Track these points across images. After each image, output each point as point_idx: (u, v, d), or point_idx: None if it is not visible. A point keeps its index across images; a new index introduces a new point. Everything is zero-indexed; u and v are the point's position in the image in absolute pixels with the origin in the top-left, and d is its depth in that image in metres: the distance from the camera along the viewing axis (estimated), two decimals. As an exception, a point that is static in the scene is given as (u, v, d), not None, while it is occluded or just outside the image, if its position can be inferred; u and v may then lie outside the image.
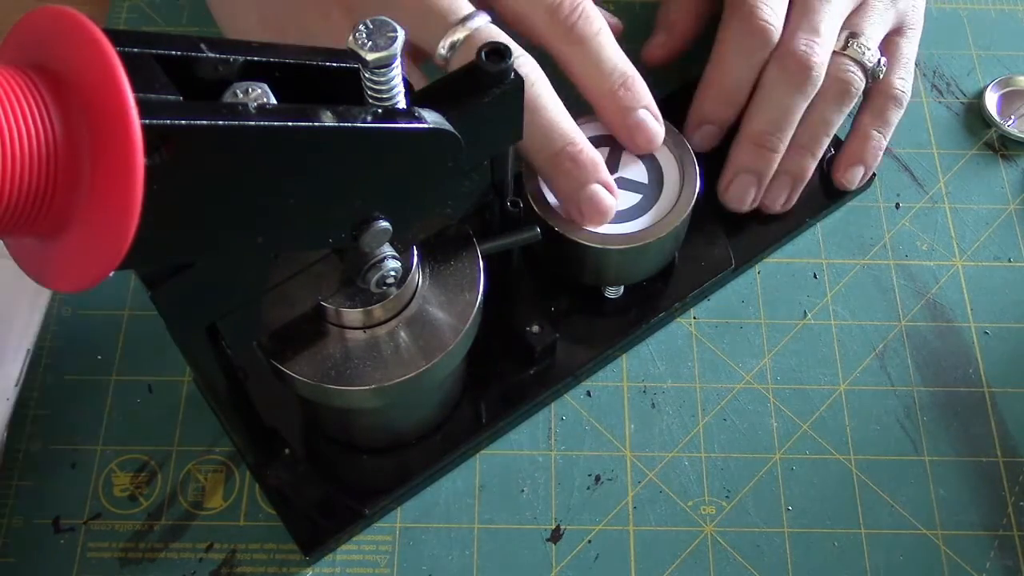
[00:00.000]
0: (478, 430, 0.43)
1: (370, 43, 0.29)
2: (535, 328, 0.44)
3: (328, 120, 0.28)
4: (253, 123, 0.26)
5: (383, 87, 0.30)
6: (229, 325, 0.32)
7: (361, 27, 0.29)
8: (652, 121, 0.43)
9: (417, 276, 0.37)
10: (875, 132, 0.49)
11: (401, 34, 0.29)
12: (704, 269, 0.47)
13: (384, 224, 0.31)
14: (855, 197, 0.51)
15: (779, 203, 0.48)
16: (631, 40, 0.55)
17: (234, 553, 0.41)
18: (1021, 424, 0.45)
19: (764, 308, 0.48)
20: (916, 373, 0.46)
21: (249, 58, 0.29)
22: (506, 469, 0.43)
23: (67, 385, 0.45)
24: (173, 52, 0.28)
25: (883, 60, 0.48)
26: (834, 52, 0.47)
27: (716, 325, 0.47)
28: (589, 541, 0.42)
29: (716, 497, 0.43)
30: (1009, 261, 0.49)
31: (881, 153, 0.50)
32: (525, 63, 0.39)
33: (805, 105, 0.46)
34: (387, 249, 0.33)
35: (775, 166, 0.47)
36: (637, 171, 0.44)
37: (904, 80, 0.50)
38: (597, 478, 0.43)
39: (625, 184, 0.44)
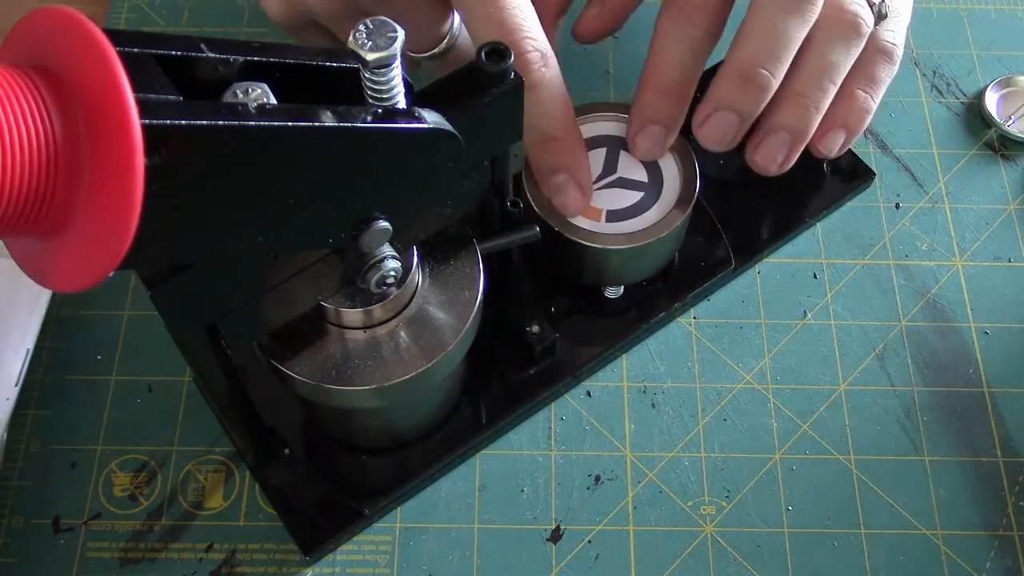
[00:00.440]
0: (478, 430, 0.43)
1: (370, 43, 0.29)
2: (535, 328, 0.44)
3: (328, 120, 0.28)
4: (253, 123, 0.26)
5: (383, 87, 0.30)
6: (229, 325, 0.32)
7: (361, 27, 0.29)
8: (570, 188, 0.40)
9: (417, 276, 0.37)
10: (860, 91, 0.43)
11: (401, 34, 0.29)
12: (704, 269, 0.47)
13: (384, 224, 0.31)
14: (855, 197, 0.51)
15: (775, 164, 0.43)
16: (631, 40, 0.55)
17: (234, 553, 0.41)
18: (1021, 424, 0.45)
19: (764, 308, 0.48)
20: (916, 373, 0.46)
21: (249, 58, 0.29)
22: (506, 469, 0.43)
23: (67, 385, 0.45)
24: (173, 52, 0.28)
25: (887, 2, 0.42)
26: None
27: (716, 325, 0.47)
28: (589, 541, 0.42)
29: (716, 497, 0.43)
30: (1009, 261, 0.49)
31: (868, 117, 0.43)
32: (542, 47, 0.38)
33: (803, 33, 0.39)
34: (387, 249, 0.33)
35: (762, 106, 0.41)
36: (637, 171, 0.44)
37: (894, 33, 0.43)
38: (597, 478, 0.43)
39: (625, 184, 0.44)
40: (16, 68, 0.23)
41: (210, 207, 0.27)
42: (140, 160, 0.22)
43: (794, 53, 0.40)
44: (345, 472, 0.43)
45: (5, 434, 0.42)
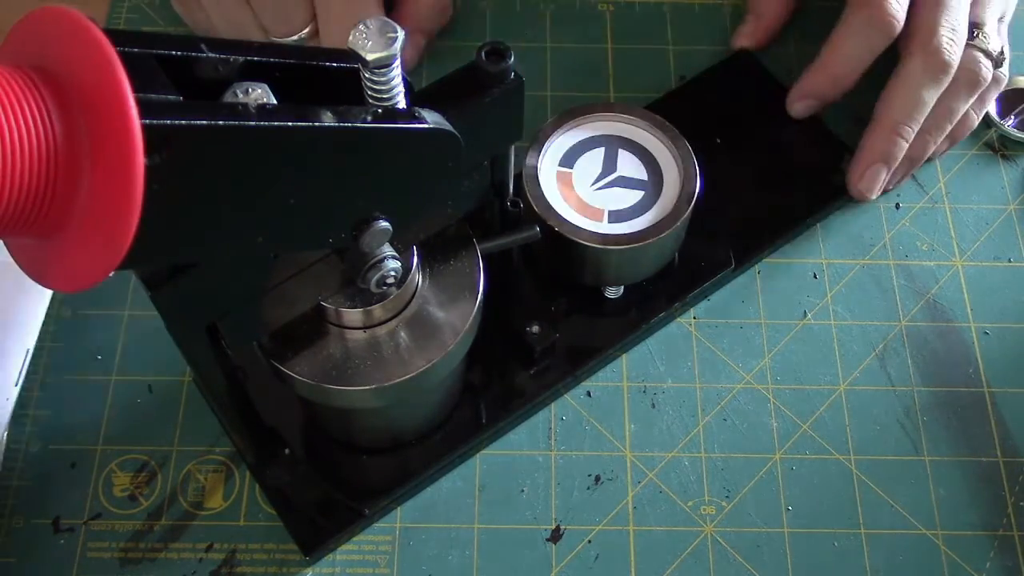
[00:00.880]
0: (478, 430, 0.43)
1: (370, 43, 0.29)
2: (535, 328, 0.44)
3: (328, 120, 0.28)
4: (253, 123, 0.26)
5: (383, 87, 0.30)
6: (229, 325, 0.32)
7: (361, 27, 0.29)
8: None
9: (417, 276, 0.37)
10: (973, 112, 0.50)
11: (401, 34, 0.29)
12: (704, 269, 0.47)
13: (384, 224, 0.31)
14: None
15: (891, 185, 0.50)
16: (631, 40, 0.55)
17: (234, 553, 0.41)
18: (1021, 424, 0.45)
19: (764, 308, 0.48)
20: (916, 373, 0.46)
21: (249, 58, 0.29)
22: (506, 469, 0.43)
23: (67, 385, 0.45)
24: (173, 52, 0.28)
25: (1005, 47, 0.49)
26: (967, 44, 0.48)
27: (716, 325, 0.47)
28: (589, 541, 0.42)
29: (716, 497, 0.43)
30: (1009, 261, 0.49)
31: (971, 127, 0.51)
32: None
33: (936, 96, 0.47)
34: (387, 249, 0.33)
35: (903, 154, 0.48)
36: (637, 170, 0.44)
37: (1004, 59, 0.50)
38: (597, 478, 0.43)
39: (625, 183, 0.44)
40: (16, 68, 0.23)
41: (210, 207, 0.27)
42: (140, 160, 0.22)
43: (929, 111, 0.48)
44: (345, 472, 0.43)
45: (5, 434, 0.42)
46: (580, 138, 0.45)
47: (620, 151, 0.44)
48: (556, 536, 0.42)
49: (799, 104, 0.50)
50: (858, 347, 0.46)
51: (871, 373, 0.46)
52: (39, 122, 0.22)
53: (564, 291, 0.46)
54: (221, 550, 0.41)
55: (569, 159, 0.44)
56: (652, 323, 0.46)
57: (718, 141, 0.50)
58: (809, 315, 0.47)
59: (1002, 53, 0.49)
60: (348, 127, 0.28)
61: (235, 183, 0.27)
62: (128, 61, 0.22)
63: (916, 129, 0.48)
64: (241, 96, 0.29)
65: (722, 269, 0.47)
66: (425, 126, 0.30)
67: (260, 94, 0.29)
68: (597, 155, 0.44)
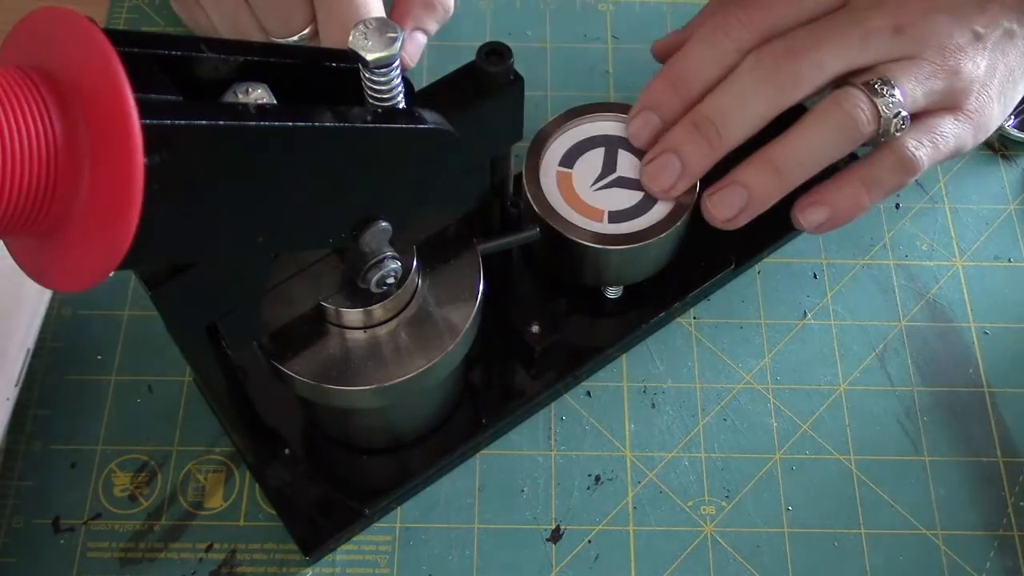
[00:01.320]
0: (478, 430, 0.43)
1: (370, 43, 0.29)
2: (535, 328, 0.44)
3: (328, 120, 0.28)
4: (253, 123, 0.26)
5: (383, 87, 0.30)
6: (229, 325, 0.32)
7: (361, 27, 0.29)
8: None
9: (417, 276, 0.37)
10: (858, 185, 0.42)
11: (401, 34, 0.29)
12: (704, 269, 0.47)
13: (384, 224, 0.31)
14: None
15: (724, 215, 0.42)
16: (631, 40, 0.55)
17: (234, 553, 0.41)
18: (1021, 424, 0.45)
19: (764, 308, 0.48)
20: (916, 373, 0.46)
21: (249, 58, 0.29)
22: (506, 469, 0.43)
23: (67, 385, 0.45)
24: (173, 52, 0.28)
25: (907, 118, 0.40)
26: (850, 82, 0.41)
27: (716, 325, 0.47)
28: (589, 541, 0.42)
29: (716, 497, 0.43)
30: (1009, 261, 0.49)
31: (857, 212, 0.43)
32: None
33: (770, 106, 0.41)
34: (387, 249, 0.33)
35: (706, 160, 0.41)
36: (637, 170, 0.44)
37: (921, 147, 0.42)
38: (597, 478, 0.43)
39: (625, 183, 0.44)
40: (16, 68, 0.23)
41: (210, 207, 0.27)
42: (140, 160, 0.22)
43: (753, 120, 0.41)
44: (345, 472, 0.43)
45: (5, 434, 0.42)
46: (580, 138, 0.45)
47: (620, 151, 0.44)
48: (556, 536, 0.42)
49: (638, 119, 0.43)
50: (858, 347, 0.46)
51: (871, 373, 0.46)
52: (39, 122, 0.22)
53: (564, 291, 0.46)
54: (221, 550, 0.41)
55: (569, 159, 0.44)
56: (652, 323, 0.46)
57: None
58: (809, 315, 0.47)
59: (900, 121, 0.40)
60: (348, 127, 0.28)
61: (235, 183, 0.27)
62: (128, 61, 0.22)
63: (725, 131, 0.41)
64: (241, 96, 0.29)
65: (722, 269, 0.47)
66: (425, 126, 0.30)
67: (260, 94, 0.29)
68: (597, 155, 0.44)
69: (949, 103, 0.42)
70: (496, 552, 0.41)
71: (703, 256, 0.47)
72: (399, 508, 0.42)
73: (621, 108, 0.45)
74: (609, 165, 0.44)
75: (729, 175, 0.42)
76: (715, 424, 0.44)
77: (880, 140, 0.41)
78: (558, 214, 0.42)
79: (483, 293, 0.37)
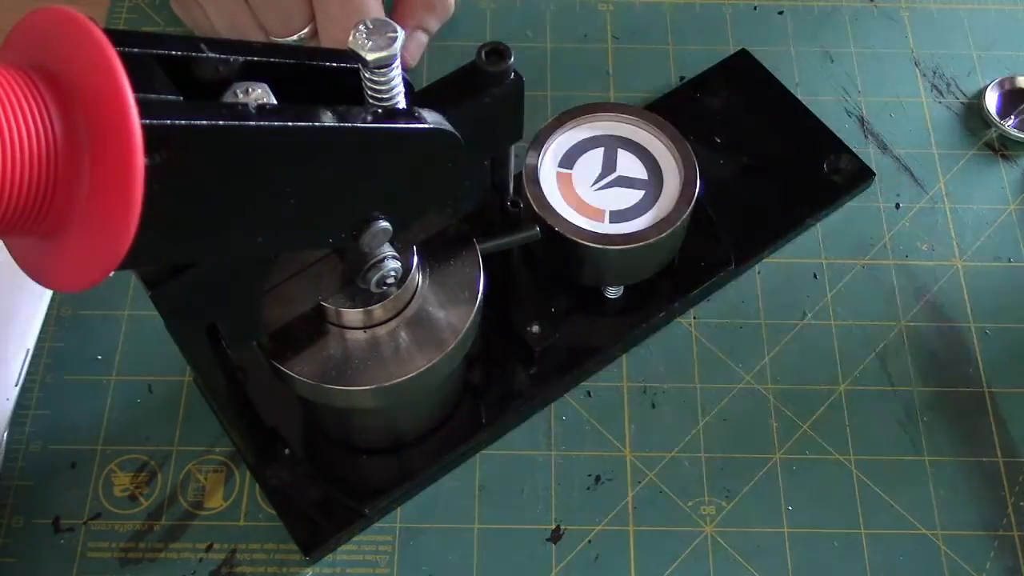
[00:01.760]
0: (478, 430, 0.43)
1: (370, 43, 0.29)
2: (535, 328, 0.44)
3: (328, 120, 0.28)
4: (253, 123, 0.26)
5: (383, 87, 0.30)
6: (229, 325, 0.32)
7: (361, 27, 0.29)
8: None
9: (417, 276, 0.37)
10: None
11: (401, 34, 0.29)
12: (704, 269, 0.47)
13: (384, 224, 0.31)
14: (855, 197, 0.51)
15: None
16: (631, 40, 0.55)
17: (234, 553, 0.41)
18: (1021, 424, 0.45)
19: (764, 308, 0.48)
20: (916, 373, 0.46)
21: (249, 58, 0.29)
22: (506, 469, 0.43)
23: (67, 385, 0.45)
24: (173, 52, 0.28)
25: None
26: None
27: (716, 325, 0.47)
28: (589, 541, 0.42)
29: (716, 497, 0.43)
30: (1009, 261, 0.49)
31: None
32: None
33: None
34: (387, 249, 0.33)
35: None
36: (637, 170, 0.44)
37: None
38: (597, 478, 0.43)
39: (625, 183, 0.44)
40: (16, 68, 0.23)
41: (210, 207, 0.27)
42: (140, 160, 0.22)
43: None
44: (345, 472, 0.43)
45: (5, 434, 0.42)
46: (580, 138, 0.45)
47: (620, 151, 0.44)
48: (556, 536, 0.42)
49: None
50: (858, 347, 0.46)
51: (871, 373, 0.46)
52: (39, 122, 0.22)
53: (564, 291, 0.46)
54: (221, 550, 0.41)
55: (569, 159, 0.44)
56: (652, 323, 0.46)
57: (718, 141, 0.50)
58: (809, 315, 0.47)
59: None
60: (348, 127, 0.28)
61: (235, 183, 0.27)
62: (128, 61, 0.22)
63: None
64: (241, 96, 0.29)
65: (722, 269, 0.47)
66: (425, 126, 0.30)
67: (260, 94, 0.29)
68: (597, 155, 0.44)
69: None
70: (496, 552, 0.41)
71: (703, 256, 0.47)
72: (399, 508, 0.42)
73: (621, 108, 0.45)
74: (609, 165, 0.44)
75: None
76: (715, 424, 0.44)
77: None
78: (558, 214, 0.42)
79: (483, 293, 0.37)
